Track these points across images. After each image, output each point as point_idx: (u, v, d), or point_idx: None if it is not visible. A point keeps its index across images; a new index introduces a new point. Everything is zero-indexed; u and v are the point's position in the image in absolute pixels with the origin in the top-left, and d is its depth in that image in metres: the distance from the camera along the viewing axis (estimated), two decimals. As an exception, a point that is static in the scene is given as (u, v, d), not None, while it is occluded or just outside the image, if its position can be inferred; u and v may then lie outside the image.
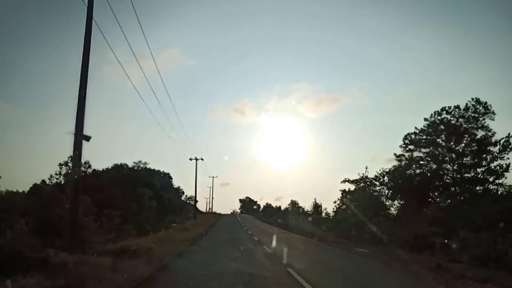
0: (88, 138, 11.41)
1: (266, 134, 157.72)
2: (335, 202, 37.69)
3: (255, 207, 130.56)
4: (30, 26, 78.41)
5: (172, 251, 15.17)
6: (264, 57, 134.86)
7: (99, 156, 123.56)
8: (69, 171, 15.94)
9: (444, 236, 15.73)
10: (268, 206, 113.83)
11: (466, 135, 30.43)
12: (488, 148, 29.57)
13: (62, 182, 17.18)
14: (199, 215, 68.96)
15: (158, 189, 48.86)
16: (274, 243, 21.80)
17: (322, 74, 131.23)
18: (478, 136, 29.99)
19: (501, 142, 29.04)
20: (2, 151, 62.92)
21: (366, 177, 33.66)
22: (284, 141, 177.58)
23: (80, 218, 12.88)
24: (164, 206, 46.99)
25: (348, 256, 16.59)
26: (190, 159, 52.77)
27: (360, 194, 33.14)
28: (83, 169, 33.40)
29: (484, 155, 29.63)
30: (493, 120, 29.74)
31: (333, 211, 39.39)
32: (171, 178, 76.45)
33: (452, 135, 30.85)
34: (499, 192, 28.24)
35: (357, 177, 34.19)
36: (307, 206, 65.45)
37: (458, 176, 30.52)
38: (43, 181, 26.87)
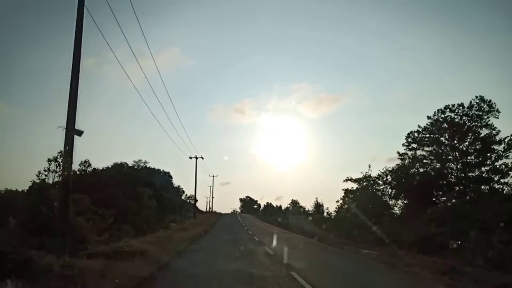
0: (80, 133, 10.90)
1: (266, 134, 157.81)
2: (337, 201, 37.20)
3: (255, 206, 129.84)
4: (30, 26, 77.94)
5: (168, 253, 14.67)
6: (264, 57, 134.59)
7: (99, 155, 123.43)
8: (59, 168, 15.28)
9: (452, 237, 15.14)
10: (268, 205, 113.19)
11: (470, 134, 29.95)
12: (492, 147, 29.05)
13: (51, 180, 16.54)
14: (199, 215, 68.51)
15: (158, 188, 48.27)
16: (274, 242, 21.68)
17: (322, 74, 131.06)
18: (482, 135, 29.50)
19: (506, 140, 28.52)
20: (2, 151, 62.42)
21: (369, 175, 33.12)
22: (284, 141, 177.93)
23: (72, 218, 12.30)
24: (163, 205, 46.39)
25: (354, 258, 15.97)
26: (190, 158, 52.34)
27: (363, 193, 32.57)
28: (83, 168, 32.93)
29: (489, 154, 29.12)
30: (497, 118, 29.24)
31: (335, 211, 38.82)
32: (171, 177, 76.17)
33: (456, 133, 30.32)
34: (504, 191, 27.69)
35: (360, 175, 33.71)
36: (308, 205, 64.89)
37: (463, 175, 30.01)
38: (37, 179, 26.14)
